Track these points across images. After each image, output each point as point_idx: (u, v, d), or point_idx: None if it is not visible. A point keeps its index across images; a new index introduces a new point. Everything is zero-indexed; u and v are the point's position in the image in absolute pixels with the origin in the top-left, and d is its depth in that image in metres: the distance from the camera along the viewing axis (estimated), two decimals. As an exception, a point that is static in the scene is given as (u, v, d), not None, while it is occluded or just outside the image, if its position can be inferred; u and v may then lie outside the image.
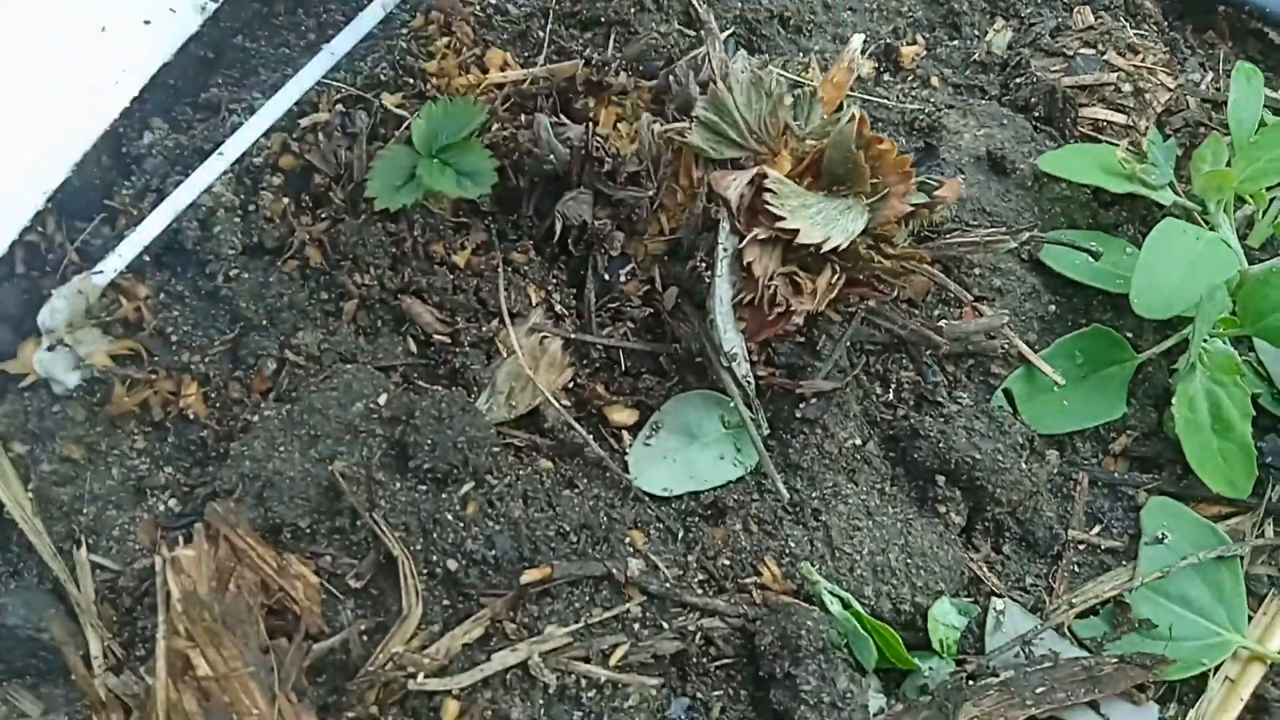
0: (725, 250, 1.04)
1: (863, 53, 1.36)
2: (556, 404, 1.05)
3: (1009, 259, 1.23)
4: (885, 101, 1.34)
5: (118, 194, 1.06)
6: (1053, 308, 1.24)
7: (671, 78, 1.14)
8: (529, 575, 0.96)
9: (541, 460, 1.07)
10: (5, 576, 0.99)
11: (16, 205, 1.01)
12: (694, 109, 1.03)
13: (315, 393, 1.00)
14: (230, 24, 1.17)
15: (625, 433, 1.10)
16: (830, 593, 1.02)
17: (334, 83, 1.13)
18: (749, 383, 1.06)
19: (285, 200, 1.06)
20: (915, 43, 1.42)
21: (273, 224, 1.05)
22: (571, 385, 1.09)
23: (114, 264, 1.01)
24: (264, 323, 1.04)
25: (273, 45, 1.17)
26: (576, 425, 1.05)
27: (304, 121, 1.09)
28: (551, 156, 1.06)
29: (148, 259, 1.04)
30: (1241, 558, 1.13)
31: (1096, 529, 1.17)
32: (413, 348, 1.07)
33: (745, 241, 1.02)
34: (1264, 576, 1.15)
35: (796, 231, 1.00)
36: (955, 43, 1.43)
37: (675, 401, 1.11)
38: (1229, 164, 1.23)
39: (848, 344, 1.11)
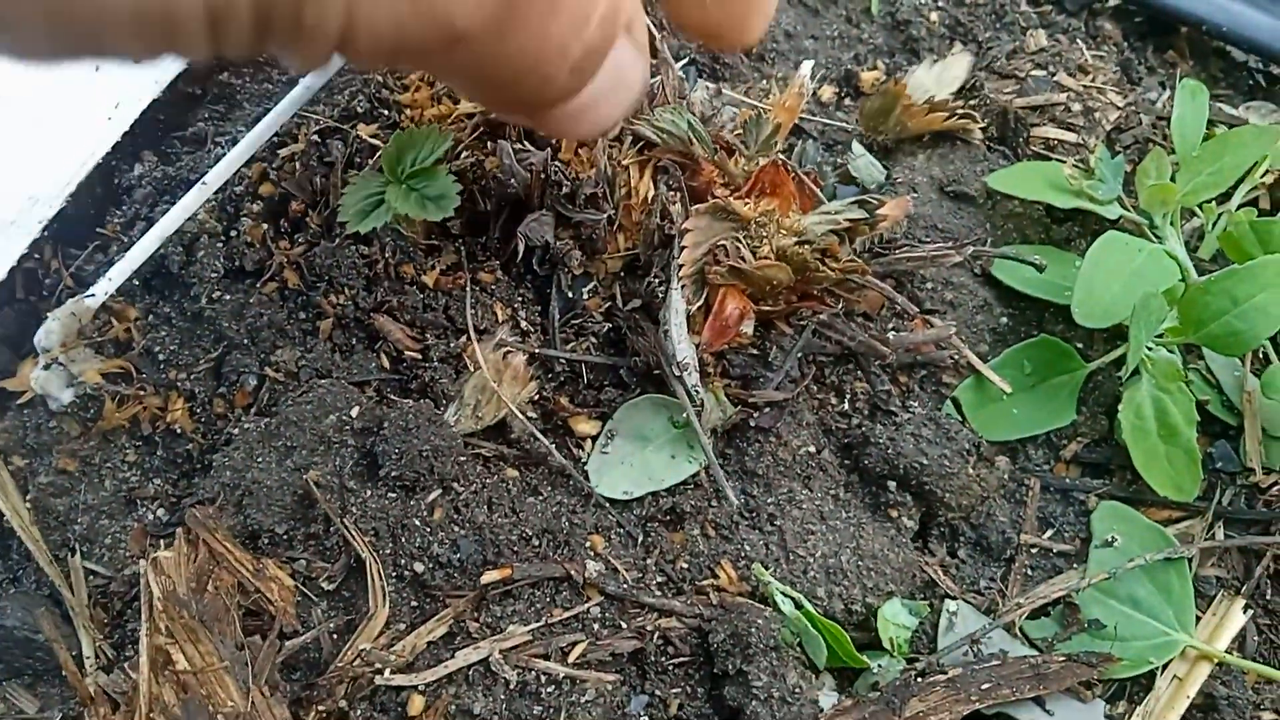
0: (679, 265, 1.10)
1: (816, 78, 1.42)
2: (520, 415, 1.11)
3: (962, 273, 1.28)
4: (845, 125, 1.40)
5: (109, 222, 1.13)
6: (1005, 320, 1.29)
7: (630, 105, 1.21)
8: (490, 575, 1.01)
9: (508, 469, 1.12)
10: (4, 582, 1.06)
11: (16, 234, 1.09)
12: (647, 113, 1.09)
13: (291, 406, 1.07)
14: (215, 61, 1.24)
15: (589, 442, 1.16)
16: (782, 593, 1.07)
17: (312, 115, 1.20)
18: (698, 392, 1.11)
19: (264, 226, 1.13)
20: (875, 68, 1.48)
21: (253, 248, 1.12)
22: (537, 398, 1.15)
23: (105, 288, 1.08)
24: (245, 341, 1.11)
25: (255, 81, 1.24)
26: (539, 435, 1.11)
27: (282, 151, 1.16)
28: (513, 180, 1.13)
29: (137, 283, 1.11)
30: (1190, 560, 1.17)
31: (1049, 533, 1.22)
32: (385, 363, 1.14)
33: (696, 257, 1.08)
34: (1213, 578, 1.19)
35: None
36: (914, 67, 1.48)
37: (626, 409, 1.16)
38: (1173, 178, 1.28)
39: (799, 355, 1.16)
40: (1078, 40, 1.52)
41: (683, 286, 1.11)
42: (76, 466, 1.08)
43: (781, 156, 1.14)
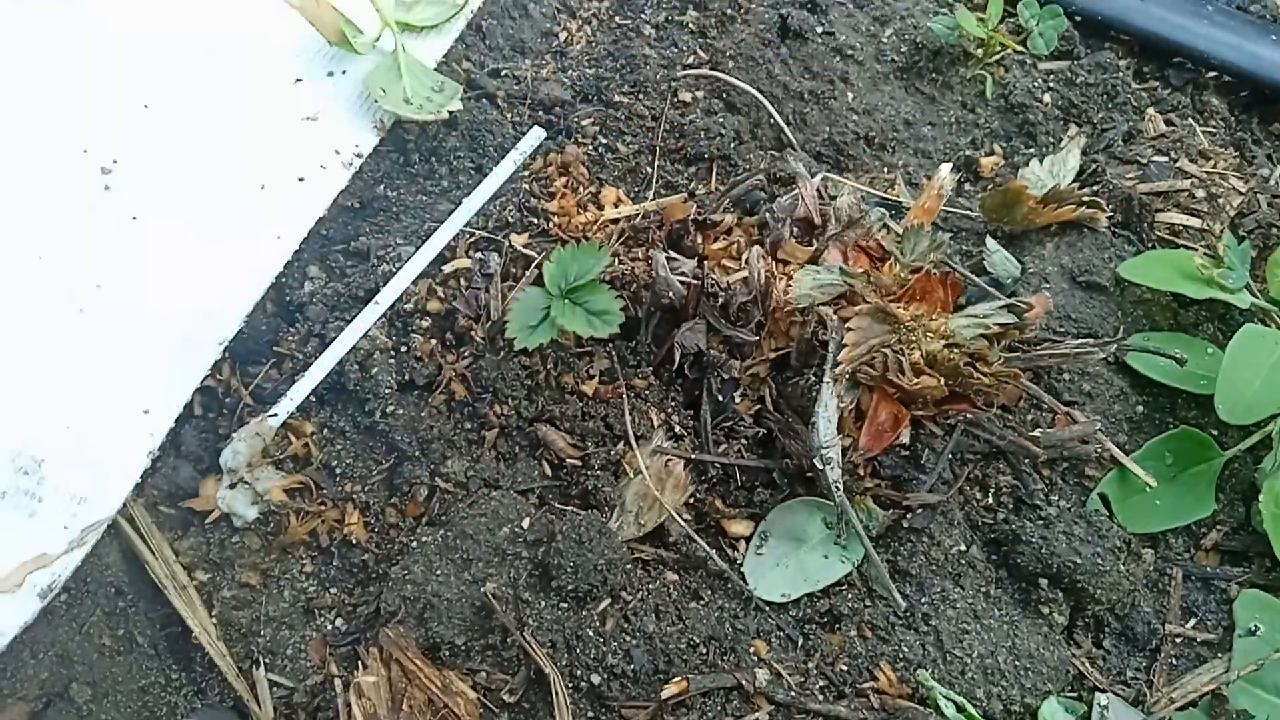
0: (836, 363, 1.12)
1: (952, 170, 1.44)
2: (682, 522, 1.14)
3: (1096, 363, 1.30)
4: (968, 212, 1.42)
5: (284, 340, 1.17)
6: (1140, 408, 1.30)
7: (769, 214, 1.24)
8: (669, 690, 1.04)
9: (667, 573, 1.15)
10: (191, 694, 1.10)
11: (196, 353, 1.13)
12: (799, 273, 1.13)
13: (466, 519, 1.10)
14: (372, 175, 1.28)
15: (743, 543, 1.19)
16: (945, 697, 1.10)
17: (466, 228, 1.24)
18: (838, 487, 1.13)
19: (433, 341, 1.17)
20: (993, 153, 1.50)
21: (422, 363, 1.16)
22: (691, 501, 1.18)
23: (286, 407, 1.12)
24: (416, 453, 1.15)
25: (410, 193, 1.28)
26: (700, 541, 1.14)
27: (446, 268, 1.20)
28: (670, 293, 1.16)
29: (313, 398, 1.15)
30: (1336, 648, 1.19)
31: (1192, 622, 1.23)
32: (547, 471, 1.17)
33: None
34: (1358, 665, 1.20)
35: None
36: (1031, 150, 1.51)
37: (779, 510, 1.19)
38: (1302, 264, 1.30)
39: (949, 456, 1.19)
40: (1190, 119, 1.54)
41: (835, 382, 1.13)
42: (258, 580, 1.12)
43: (932, 263, 1.16)
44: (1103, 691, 1.17)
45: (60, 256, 1.15)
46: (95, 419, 1.10)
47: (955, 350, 1.14)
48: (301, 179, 1.23)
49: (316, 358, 1.15)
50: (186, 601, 1.09)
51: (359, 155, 1.26)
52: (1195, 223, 1.40)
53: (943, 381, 1.12)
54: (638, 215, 1.28)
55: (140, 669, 1.09)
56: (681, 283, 1.17)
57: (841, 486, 1.11)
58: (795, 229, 1.22)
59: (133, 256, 1.17)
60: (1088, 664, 1.19)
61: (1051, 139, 1.52)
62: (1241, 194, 1.41)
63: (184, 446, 1.14)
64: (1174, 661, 1.22)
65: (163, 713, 1.07)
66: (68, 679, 1.06)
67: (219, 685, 1.10)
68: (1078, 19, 1.60)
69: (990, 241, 1.31)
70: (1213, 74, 1.59)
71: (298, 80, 1.30)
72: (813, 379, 1.16)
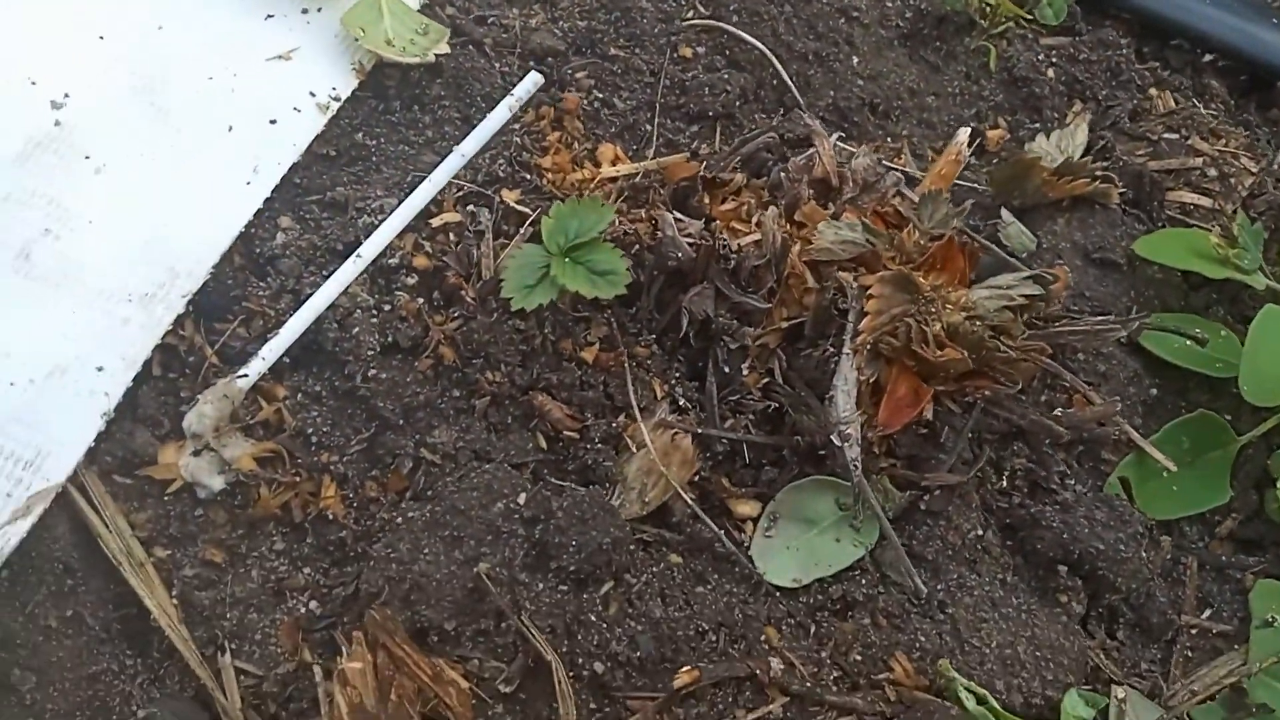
0: (856, 333, 1.05)
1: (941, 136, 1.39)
2: (690, 501, 1.06)
3: (1111, 343, 1.25)
4: (974, 185, 1.36)
5: (253, 295, 1.07)
6: (1154, 391, 1.26)
7: (783, 175, 1.16)
8: (680, 679, 0.96)
9: (671, 555, 1.07)
10: (147, 682, 0.99)
11: (157, 308, 1.02)
12: (822, 225, 1.05)
13: (456, 493, 1.01)
14: (350, 121, 1.18)
15: (749, 524, 1.11)
16: (966, 688, 1.03)
17: (454, 180, 1.14)
18: (856, 465, 1.06)
19: (420, 300, 1.07)
20: (998, 126, 1.45)
21: (407, 323, 1.06)
22: (696, 479, 1.10)
23: (257, 367, 1.01)
24: (400, 421, 1.05)
25: (391, 142, 1.18)
26: (709, 522, 1.06)
27: (434, 222, 1.10)
28: (678, 254, 1.08)
29: (286, 360, 1.05)
30: (1353, 639, 1.15)
31: (1207, 613, 1.19)
32: (542, 443, 1.08)
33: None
34: (1377, 656, 1.16)
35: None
36: (1036, 125, 1.46)
37: (789, 490, 1.11)
38: (1319, 246, 1.26)
39: (969, 435, 1.12)
40: (1191, 98, 1.50)
41: (856, 354, 1.06)
42: (223, 557, 1.02)
43: (954, 231, 1.10)
44: (1119, 684, 1.12)
45: (3, 197, 1.04)
46: (42, 376, 0.99)
47: (977, 323, 1.08)
48: (273, 121, 1.12)
49: (290, 315, 1.04)
50: (144, 580, 0.98)
51: (336, 99, 1.16)
52: (1206, 202, 1.36)
53: (968, 358, 1.05)
54: (638, 174, 1.19)
55: (91, 654, 0.98)
56: (690, 244, 1.09)
57: (860, 465, 1.04)
58: (810, 191, 1.14)
59: (85, 199, 1.06)
60: (1103, 655, 1.14)
61: (1056, 114, 1.47)
62: (1253, 174, 1.37)
63: (141, 409, 1.03)
64: (1189, 653, 1.17)
65: (116, 702, 0.96)
66: (9, 664, 0.94)
67: (179, 673, 0.99)
68: (1079, -6, 1.56)
69: (1005, 213, 1.25)
70: (1211, 56, 1.56)
71: (268, 16, 1.19)
72: (829, 350, 1.08)
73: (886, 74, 1.41)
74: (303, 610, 1.01)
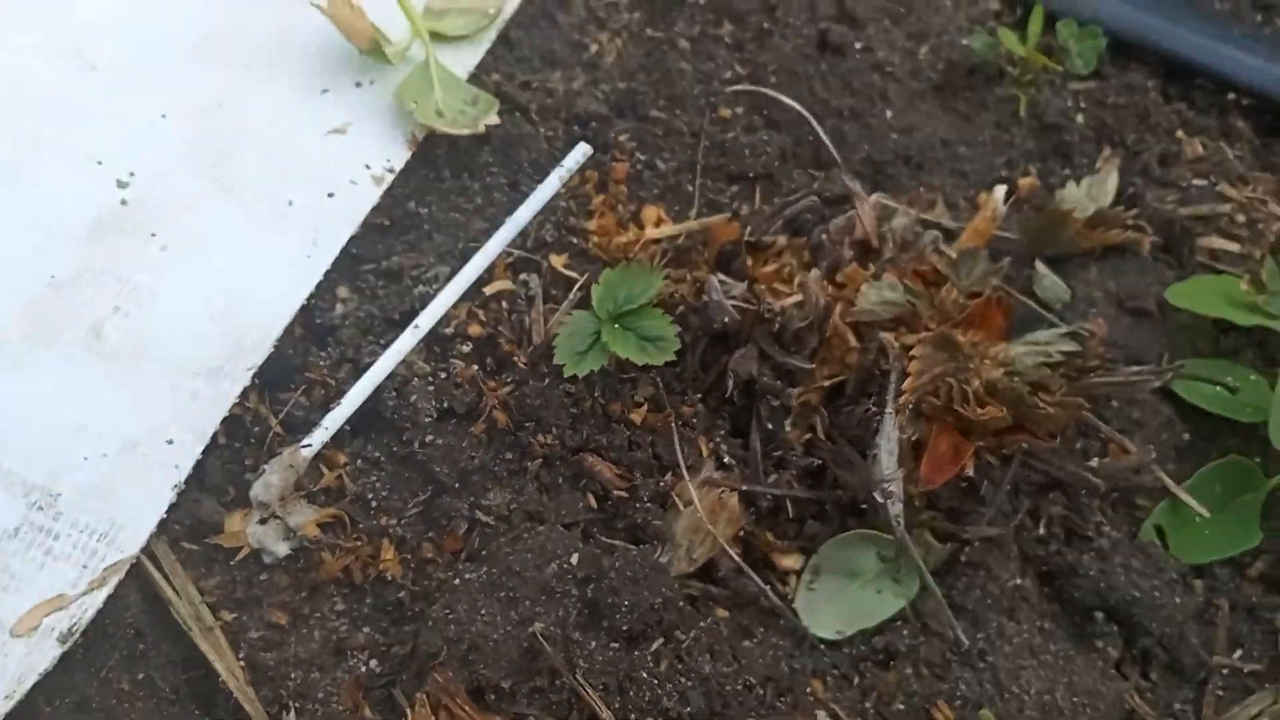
0: (899, 393, 1.08)
1: (971, 186, 1.41)
2: (735, 556, 1.09)
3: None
4: (1006, 235, 1.39)
5: (315, 365, 1.11)
6: (1186, 436, 1.28)
7: (825, 237, 1.20)
8: (731, 735, 0.99)
9: (718, 610, 1.11)
10: (216, 743, 1.03)
11: (225, 382, 1.06)
12: (865, 287, 1.09)
13: (511, 554, 1.05)
14: (402, 190, 1.22)
15: (793, 577, 1.14)
16: (1008, 737, 1.06)
17: (504, 248, 1.18)
18: (899, 521, 1.09)
19: (474, 367, 1.11)
20: (1029, 174, 1.47)
21: (462, 390, 1.10)
22: (740, 533, 1.13)
23: (320, 437, 1.06)
24: (455, 485, 1.09)
25: (443, 210, 1.22)
26: (755, 578, 1.09)
27: (487, 290, 1.14)
28: (724, 317, 1.12)
29: (346, 428, 1.09)
30: (1384, 680, 1.17)
31: (1238, 653, 1.21)
32: (592, 503, 1.12)
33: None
34: (1407, 698, 1.18)
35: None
36: (1066, 172, 1.48)
37: (832, 544, 1.15)
38: (1345, 293, 1.28)
39: (1008, 487, 1.15)
40: (1218, 139, 1.52)
41: (899, 413, 1.09)
42: (287, 619, 1.06)
43: (990, 288, 1.13)
44: (1155, 727, 1.14)
45: (74, 276, 1.08)
46: (115, 451, 1.03)
47: (1016, 379, 1.11)
48: (331, 194, 1.17)
49: (350, 384, 1.08)
50: (212, 643, 1.03)
51: (390, 170, 1.20)
52: (1235, 248, 1.39)
53: (1008, 415, 1.08)
54: (680, 235, 1.23)
55: (161, 715, 1.02)
56: (734, 307, 1.13)
57: (902, 521, 1.07)
58: (851, 252, 1.18)
59: (152, 276, 1.10)
60: (1137, 697, 1.16)
61: (1086, 160, 1.49)
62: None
63: (208, 478, 1.07)
64: (1220, 693, 1.19)
65: (189, 762, 1.01)
66: (86, 727, 0.98)
67: (246, 732, 1.03)
68: (1104, 40, 1.58)
69: (1039, 265, 1.28)
70: (1233, 97, 1.58)
71: (324, 90, 1.24)
72: (870, 408, 1.11)
73: (919, 126, 1.44)
74: (363, 669, 1.05)
